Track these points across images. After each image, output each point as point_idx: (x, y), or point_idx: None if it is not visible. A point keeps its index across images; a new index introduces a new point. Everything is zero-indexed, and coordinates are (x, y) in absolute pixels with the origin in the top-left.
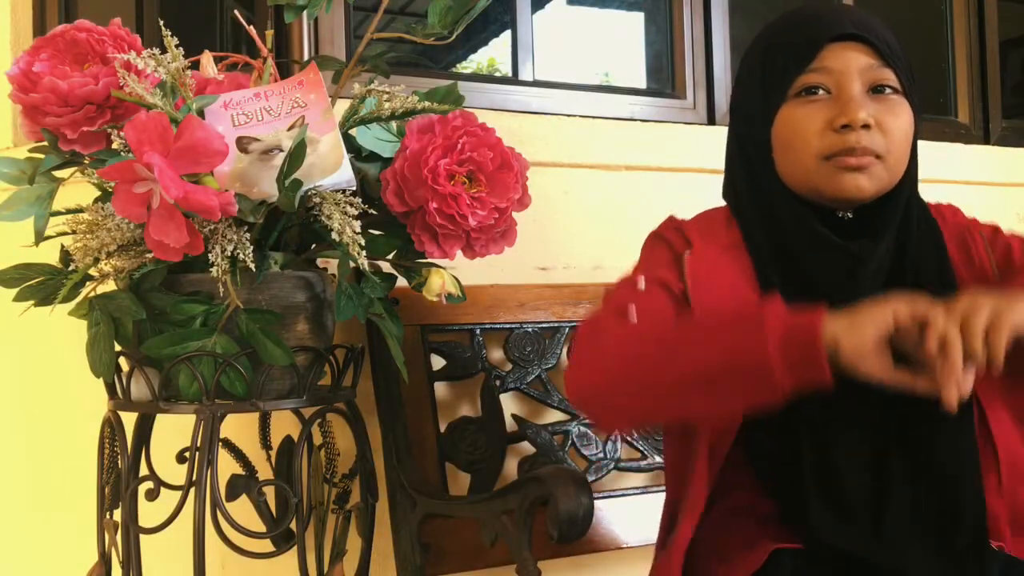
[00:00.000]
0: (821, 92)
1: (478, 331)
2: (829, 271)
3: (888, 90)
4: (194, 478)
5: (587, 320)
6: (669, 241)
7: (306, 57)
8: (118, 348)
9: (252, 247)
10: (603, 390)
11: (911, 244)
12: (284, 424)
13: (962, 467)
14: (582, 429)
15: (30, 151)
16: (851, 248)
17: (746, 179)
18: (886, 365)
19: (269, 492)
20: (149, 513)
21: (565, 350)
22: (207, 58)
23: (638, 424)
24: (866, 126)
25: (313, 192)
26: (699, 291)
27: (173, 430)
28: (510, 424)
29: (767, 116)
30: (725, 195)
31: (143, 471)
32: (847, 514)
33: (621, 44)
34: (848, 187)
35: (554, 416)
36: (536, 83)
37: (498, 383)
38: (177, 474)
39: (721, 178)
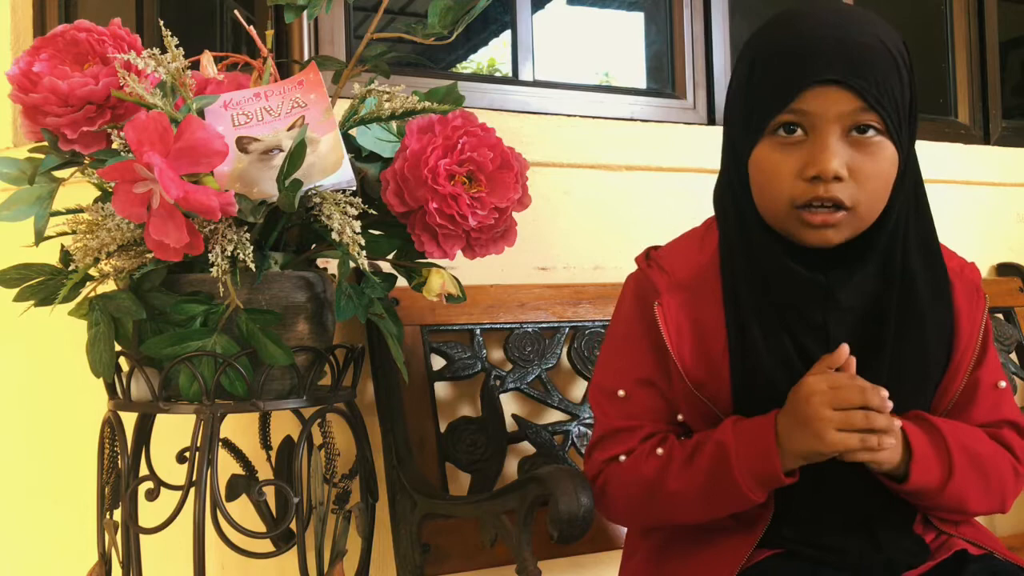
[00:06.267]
0: (799, 132)
1: (478, 331)
2: (801, 301)
3: (871, 131)
4: (194, 478)
5: (589, 450)
6: (639, 301)
7: (306, 57)
8: (118, 348)
9: (252, 247)
10: (623, 523)
11: (895, 277)
12: (284, 424)
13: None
14: (582, 429)
15: (30, 151)
16: (819, 279)
17: (732, 201)
18: (849, 442)
19: (269, 492)
20: (149, 513)
21: (565, 350)
22: (207, 58)
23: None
24: (838, 177)
25: (313, 192)
26: (672, 340)
27: (173, 430)
28: (510, 424)
29: (746, 150)
30: (715, 202)
31: (143, 471)
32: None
33: (621, 44)
34: (814, 240)
35: (554, 416)
36: (536, 83)
37: (498, 383)
38: (177, 474)
39: None
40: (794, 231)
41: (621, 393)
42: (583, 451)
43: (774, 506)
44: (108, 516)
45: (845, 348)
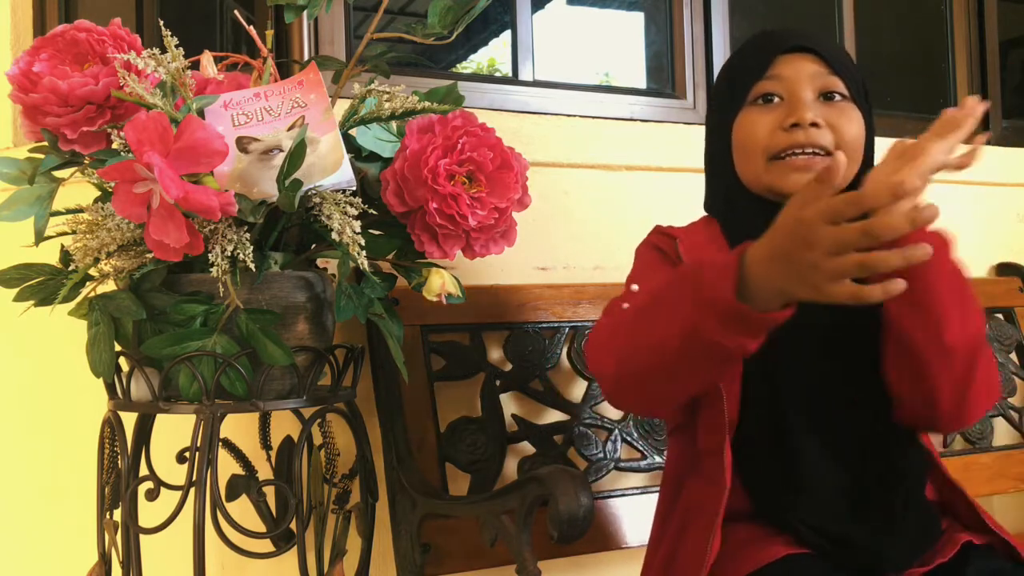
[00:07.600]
0: (776, 99)
1: (478, 331)
2: None
3: (838, 96)
4: (194, 478)
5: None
6: (657, 244)
7: (306, 57)
8: (118, 348)
9: (252, 247)
10: (609, 375)
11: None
12: (284, 424)
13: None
14: (582, 429)
15: (30, 151)
16: None
17: (717, 189)
18: (843, 290)
19: (269, 492)
20: (149, 513)
21: (565, 350)
22: (207, 58)
23: (648, 406)
24: (815, 124)
25: (313, 192)
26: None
27: (173, 430)
28: (510, 424)
29: (727, 123)
30: (705, 206)
31: (143, 471)
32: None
33: (621, 44)
34: (797, 186)
35: (554, 416)
36: (536, 83)
37: (498, 383)
38: (177, 474)
39: None
40: (778, 182)
41: (635, 287)
42: (583, 451)
43: (791, 493)
44: (108, 516)
45: None
